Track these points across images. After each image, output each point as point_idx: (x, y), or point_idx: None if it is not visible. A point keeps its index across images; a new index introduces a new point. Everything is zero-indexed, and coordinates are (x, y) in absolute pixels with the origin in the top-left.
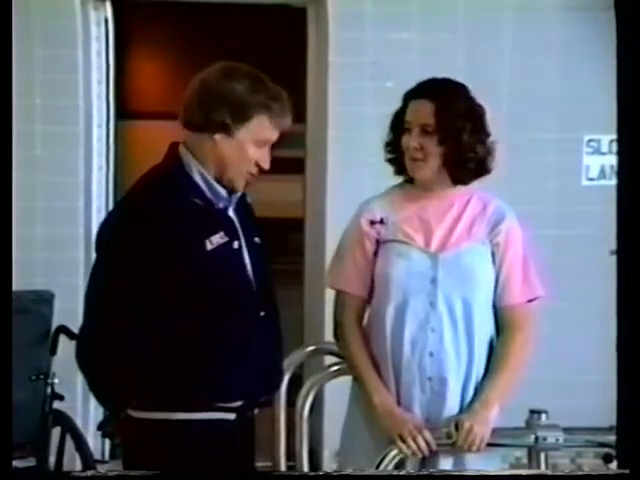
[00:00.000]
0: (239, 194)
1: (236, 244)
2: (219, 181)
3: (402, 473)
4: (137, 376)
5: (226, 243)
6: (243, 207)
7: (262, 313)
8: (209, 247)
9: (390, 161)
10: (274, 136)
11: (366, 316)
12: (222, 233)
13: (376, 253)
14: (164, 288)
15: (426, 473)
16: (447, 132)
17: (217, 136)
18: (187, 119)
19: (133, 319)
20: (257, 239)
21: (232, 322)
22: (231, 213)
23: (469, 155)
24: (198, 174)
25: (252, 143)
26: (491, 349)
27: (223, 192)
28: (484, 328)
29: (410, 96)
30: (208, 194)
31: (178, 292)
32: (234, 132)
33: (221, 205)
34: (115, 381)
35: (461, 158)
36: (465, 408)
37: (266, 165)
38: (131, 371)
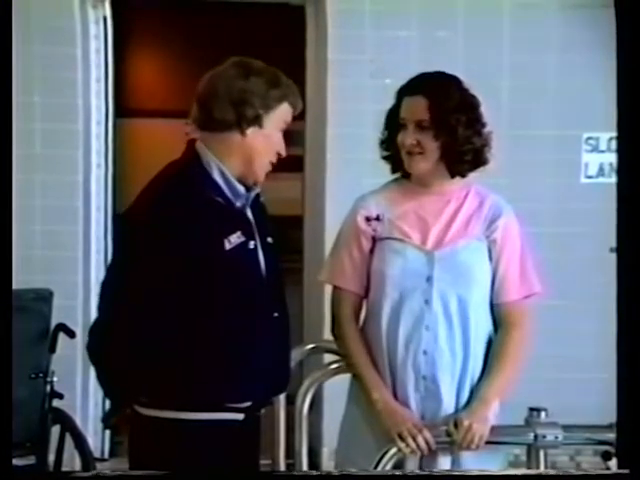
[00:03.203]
0: (255, 193)
1: (252, 244)
2: (240, 178)
3: (402, 473)
4: (147, 374)
5: (243, 243)
6: (257, 206)
7: (275, 314)
8: (227, 246)
9: (386, 159)
10: (290, 119)
11: (363, 312)
12: (239, 233)
13: (372, 250)
14: (181, 287)
15: (426, 473)
16: (442, 127)
17: (249, 130)
18: (209, 119)
19: (148, 316)
20: (270, 239)
21: (247, 323)
22: (248, 212)
23: (466, 147)
24: (218, 172)
25: (276, 131)
26: (489, 346)
27: (242, 190)
28: (481, 326)
29: (404, 92)
30: (227, 192)
31: (195, 291)
32: (264, 123)
33: (239, 204)
34: (124, 376)
35: (458, 151)
36: (463, 406)
37: (284, 152)
38: (140, 368)
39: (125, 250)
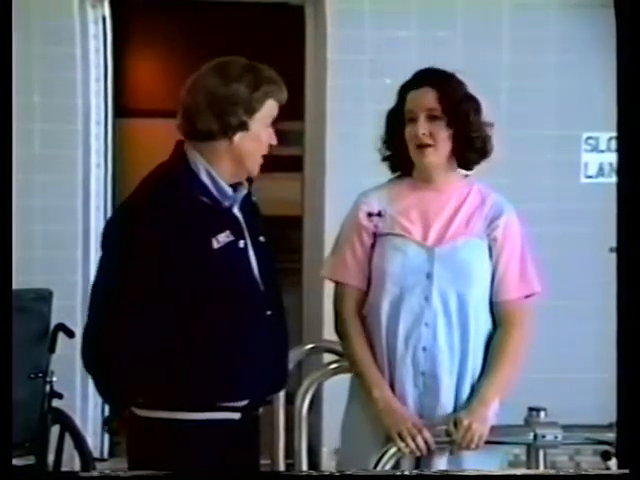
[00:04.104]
0: (244, 193)
1: (242, 243)
2: (233, 177)
3: (402, 473)
4: (142, 375)
5: (232, 242)
6: (248, 206)
7: (269, 312)
8: (215, 246)
9: (388, 159)
10: (277, 112)
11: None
12: (228, 232)
13: (373, 245)
14: (170, 287)
15: (426, 473)
16: (454, 114)
17: (237, 136)
18: (194, 130)
19: (138, 318)
20: (262, 238)
21: (239, 321)
22: (236, 212)
23: (477, 134)
24: (205, 172)
25: (264, 127)
26: (488, 343)
27: (229, 190)
28: (480, 323)
29: (408, 87)
30: (214, 192)
31: (184, 291)
32: (250, 126)
33: (227, 204)
34: (119, 379)
35: (470, 137)
36: (462, 405)
37: (275, 141)
38: (136, 370)
39: (114, 251)
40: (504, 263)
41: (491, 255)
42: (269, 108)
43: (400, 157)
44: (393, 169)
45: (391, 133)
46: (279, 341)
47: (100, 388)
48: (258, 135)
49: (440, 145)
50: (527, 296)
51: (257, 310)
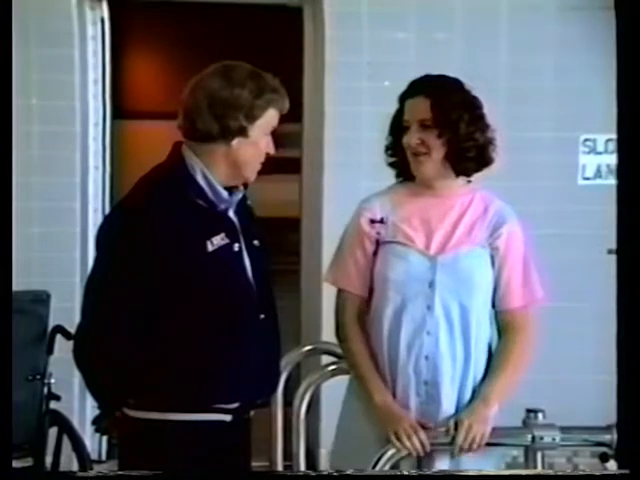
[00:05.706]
0: (240, 196)
1: (236, 246)
2: (229, 181)
3: (401, 473)
4: (134, 375)
5: (227, 245)
6: (243, 209)
7: (262, 316)
8: (210, 248)
9: (392, 165)
10: (277, 121)
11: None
12: (223, 235)
13: (375, 252)
14: (163, 288)
15: (424, 473)
16: (445, 124)
17: (235, 141)
18: (193, 130)
19: (131, 319)
20: (257, 242)
21: (231, 324)
22: (232, 215)
23: (469, 144)
24: (201, 175)
25: (263, 135)
26: (490, 352)
27: (225, 194)
28: (482, 332)
29: (406, 96)
30: (210, 195)
31: (177, 292)
32: (249, 133)
33: (222, 207)
34: (110, 380)
35: (461, 147)
36: (464, 405)
37: (273, 150)
38: (127, 370)
39: (108, 251)
40: (507, 272)
41: (493, 264)
42: (270, 116)
43: (403, 164)
44: (399, 175)
45: (393, 140)
46: (271, 345)
47: (91, 388)
48: (256, 142)
49: (433, 154)
50: (530, 304)
51: (250, 313)
